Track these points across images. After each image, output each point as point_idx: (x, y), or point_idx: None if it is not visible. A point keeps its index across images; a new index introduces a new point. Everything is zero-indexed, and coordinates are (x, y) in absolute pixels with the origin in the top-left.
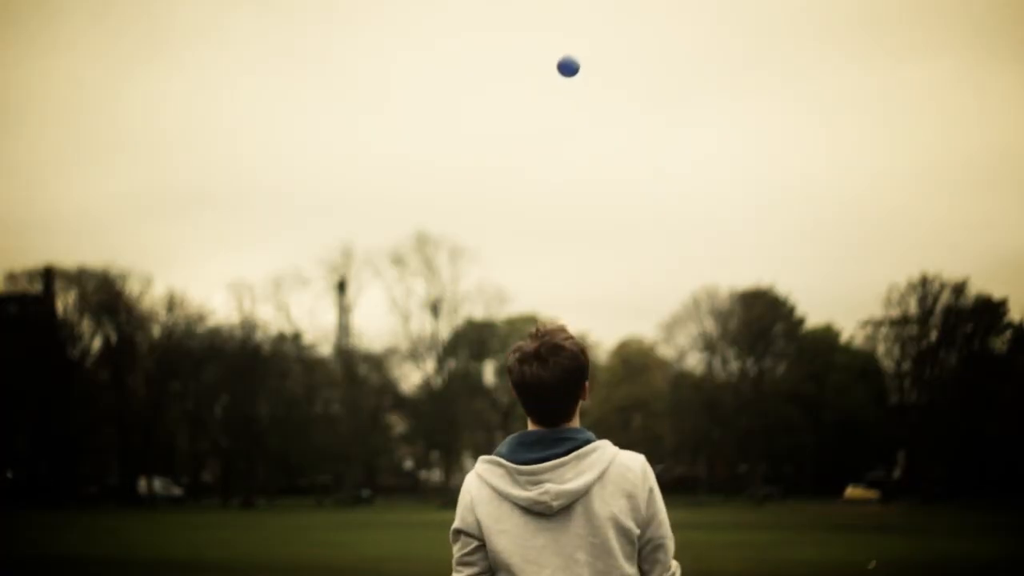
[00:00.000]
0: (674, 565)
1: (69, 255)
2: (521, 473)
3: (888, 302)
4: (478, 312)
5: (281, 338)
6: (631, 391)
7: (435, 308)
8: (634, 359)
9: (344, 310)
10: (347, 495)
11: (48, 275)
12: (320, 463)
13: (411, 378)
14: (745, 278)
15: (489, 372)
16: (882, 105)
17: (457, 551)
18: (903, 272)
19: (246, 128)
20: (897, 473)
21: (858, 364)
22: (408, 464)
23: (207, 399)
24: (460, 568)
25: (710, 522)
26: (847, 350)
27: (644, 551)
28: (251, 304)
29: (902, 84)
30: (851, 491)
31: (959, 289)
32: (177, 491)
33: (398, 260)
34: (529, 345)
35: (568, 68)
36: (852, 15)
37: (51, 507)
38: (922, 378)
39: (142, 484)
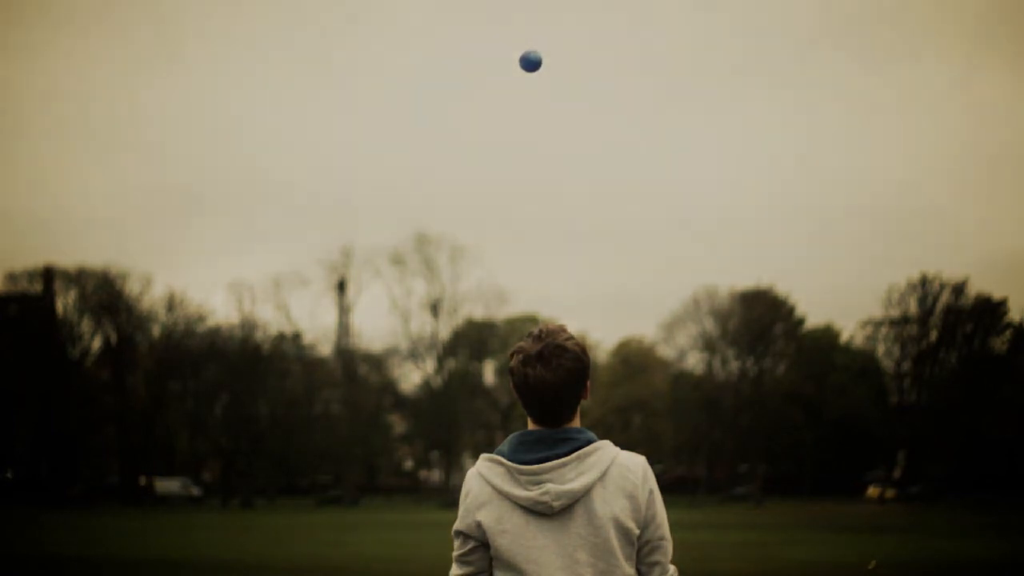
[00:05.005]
0: (672, 569)
1: (69, 255)
2: (522, 473)
3: (888, 302)
4: (478, 312)
5: (281, 338)
6: (631, 391)
7: (435, 308)
8: (634, 359)
9: (344, 310)
10: (331, 496)
11: (48, 275)
12: (320, 463)
13: (411, 378)
14: (745, 278)
15: (489, 372)
16: (882, 107)
17: (456, 549)
18: (903, 272)
19: (246, 128)
20: (897, 473)
21: (858, 364)
22: (408, 464)
23: (207, 399)
24: (458, 565)
25: (710, 522)
26: (847, 350)
27: (643, 552)
28: (251, 304)
29: (902, 86)
30: (873, 490)
31: (959, 289)
32: (196, 491)
33: (398, 260)
34: (531, 347)
35: (528, 62)
36: (852, 16)
37: (51, 507)
38: (922, 378)
39: (143, 481)
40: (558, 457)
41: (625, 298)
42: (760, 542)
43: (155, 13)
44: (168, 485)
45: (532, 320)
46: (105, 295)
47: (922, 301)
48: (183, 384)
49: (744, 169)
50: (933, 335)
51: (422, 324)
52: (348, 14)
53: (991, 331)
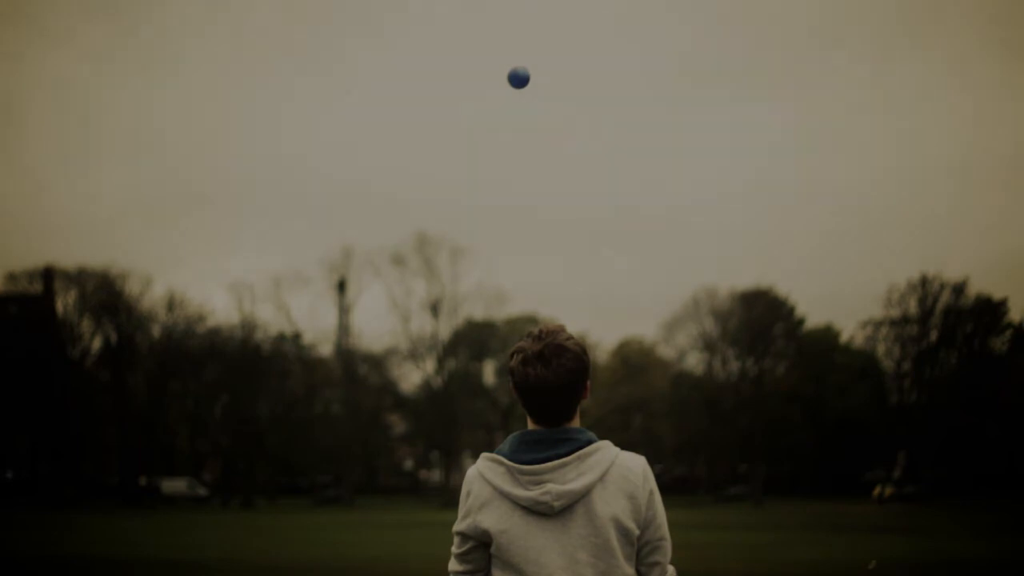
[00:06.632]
0: (671, 569)
1: (69, 255)
2: (523, 473)
3: (888, 302)
4: (478, 312)
5: (281, 338)
6: (631, 391)
7: (435, 308)
8: (634, 359)
9: (344, 310)
10: (329, 495)
11: (48, 275)
12: (320, 463)
13: (411, 378)
14: (745, 278)
15: (489, 372)
16: (883, 105)
17: (456, 547)
18: (903, 272)
19: (246, 128)
20: (897, 473)
21: (858, 364)
22: (408, 464)
23: (207, 399)
24: (457, 562)
25: (710, 522)
26: (847, 350)
27: (642, 552)
28: (251, 304)
29: (903, 84)
30: (877, 489)
31: (959, 289)
32: (202, 491)
33: (398, 260)
34: (531, 347)
35: (517, 78)
36: (853, 15)
37: (51, 507)
38: (922, 378)
39: (143, 481)
40: (559, 457)
41: (625, 298)
42: (760, 542)
43: (156, 13)
44: (175, 485)
45: (532, 320)
46: (105, 295)
47: (922, 301)
48: (183, 384)
49: (744, 169)
50: (933, 335)
51: (422, 324)
52: (350, 16)
53: (991, 331)
